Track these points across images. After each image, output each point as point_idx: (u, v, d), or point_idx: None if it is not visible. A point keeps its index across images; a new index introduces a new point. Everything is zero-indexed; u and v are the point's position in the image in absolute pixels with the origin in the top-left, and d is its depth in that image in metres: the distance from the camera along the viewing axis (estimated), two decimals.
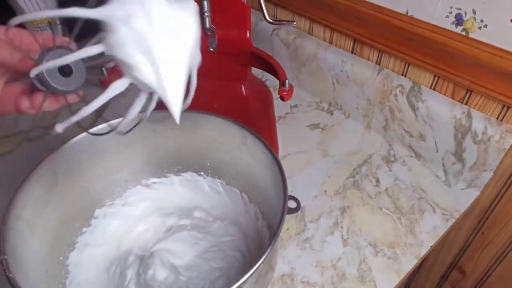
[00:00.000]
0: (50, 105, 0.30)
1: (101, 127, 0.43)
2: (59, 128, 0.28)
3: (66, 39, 0.29)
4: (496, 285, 0.70)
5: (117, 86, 0.28)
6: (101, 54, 0.27)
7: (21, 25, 0.27)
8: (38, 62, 0.27)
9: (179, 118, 0.28)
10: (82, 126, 0.32)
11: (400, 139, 0.68)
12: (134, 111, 0.30)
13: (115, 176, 0.52)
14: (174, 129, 0.50)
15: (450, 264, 0.76)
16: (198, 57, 0.30)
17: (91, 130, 0.34)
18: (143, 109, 0.31)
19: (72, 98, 0.31)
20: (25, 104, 0.30)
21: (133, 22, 0.25)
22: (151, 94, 0.30)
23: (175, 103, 0.28)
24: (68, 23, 0.76)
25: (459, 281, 0.76)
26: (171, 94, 0.27)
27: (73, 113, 0.29)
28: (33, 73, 0.26)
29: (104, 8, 0.25)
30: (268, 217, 0.48)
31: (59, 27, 0.71)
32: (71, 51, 0.28)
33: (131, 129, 0.33)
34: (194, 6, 0.29)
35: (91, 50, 0.26)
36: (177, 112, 0.28)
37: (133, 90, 0.29)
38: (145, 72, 0.26)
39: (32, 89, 0.30)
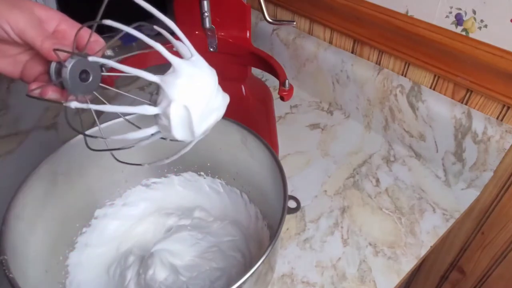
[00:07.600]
0: (56, 97, 0.32)
1: (93, 131, 0.44)
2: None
3: (100, 40, 0.32)
4: (496, 285, 0.70)
5: (148, 131, 0.32)
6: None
7: None
8: (56, 69, 0.30)
9: None
10: (77, 130, 0.33)
11: (400, 139, 0.68)
12: (135, 136, 0.32)
13: (115, 176, 0.52)
14: None
15: (450, 264, 0.76)
16: None
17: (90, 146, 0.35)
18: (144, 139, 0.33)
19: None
20: (35, 90, 0.32)
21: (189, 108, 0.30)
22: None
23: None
24: None
25: (459, 281, 0.76)
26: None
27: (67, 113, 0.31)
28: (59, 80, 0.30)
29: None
30: (268, 217, 0.48)
31: None
32: (86, 58, 0.30)
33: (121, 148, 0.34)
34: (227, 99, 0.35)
35: (146, 131, 0.32)
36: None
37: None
38: (184, 137, 0.33)
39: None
